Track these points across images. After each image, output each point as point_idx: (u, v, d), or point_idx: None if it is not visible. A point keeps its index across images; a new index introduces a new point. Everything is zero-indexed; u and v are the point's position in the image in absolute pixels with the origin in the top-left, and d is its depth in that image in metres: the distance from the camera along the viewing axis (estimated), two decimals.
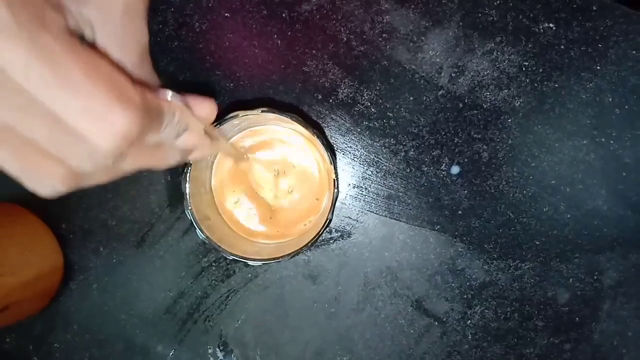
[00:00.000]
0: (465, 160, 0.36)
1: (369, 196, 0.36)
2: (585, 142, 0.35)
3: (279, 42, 0.36)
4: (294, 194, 0.35)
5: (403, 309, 0.37)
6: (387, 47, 0.35)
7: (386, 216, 0.36)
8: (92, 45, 0.17)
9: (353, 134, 0.36)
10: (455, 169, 0.36)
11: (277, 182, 0.35)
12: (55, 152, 0.15)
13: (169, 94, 0.19)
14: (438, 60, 0.35)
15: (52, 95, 0.13)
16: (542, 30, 0.34)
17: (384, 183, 0.36)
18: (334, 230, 0.37)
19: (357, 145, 0.36)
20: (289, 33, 0.35)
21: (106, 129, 0.14)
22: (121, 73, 0.15)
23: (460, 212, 0.36)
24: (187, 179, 0.31)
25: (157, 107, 0.17)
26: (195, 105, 0.21)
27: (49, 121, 0.14)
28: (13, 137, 0.14)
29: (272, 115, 0.31)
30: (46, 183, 0.16)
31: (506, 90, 0.35)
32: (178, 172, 0.37)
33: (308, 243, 0.30)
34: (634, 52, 0.34)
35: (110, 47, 0.17)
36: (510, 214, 0.36)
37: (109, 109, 0.14)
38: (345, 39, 0.35)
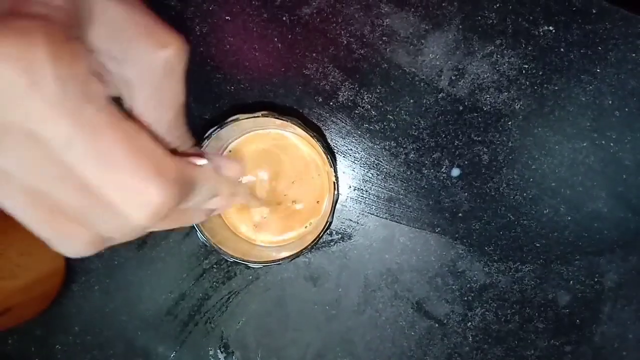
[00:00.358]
0: (466, 162, 0.36)
1: (369, 198, 0.36)
2: (585, 144, 0.35)
3: (280, 45, 0.36)
4: (295, 200, 0.35)
5: (404, 311, 0.37)
6: (387, 50, 0.35)
7: (387, 218, 0.36)
8: (129, 114, 0.17)
9: (353, 136, 0.36)
10: (455, 172, 0.36)
11: (280, 194, 0.35)
12: (83, 221, 0.15)
13: (202, 161, 0.19)
14: (438, 63, 0.35)
15: (91, 169, 0.13)
16: (541, 33, 0.34)
17: (384, 185, 0.36)
18: (334, 233, 0.37)
19: (357, 148, 0.36)
20: (290, 36, 0.36)
21: (141, 205, 0.14)
22: (159, 144, 0.15)
23: (460, 214, 0.36)
24: None
25: (192, 178, 0.17)
26: (224, 168, 0.21)
27: (82, 193, 0.14)
28: (44, 203, 0.14)
29: (272, 119, 0.31)
30: (71, 247, 0.16)
31: (506, 93, 0.35)
32: None
33: (309, 245, 0.30)
34: (634, 54, 0.34)
35: (147, 106, 0.17)
36: (511, 216, 0.36)
37: (146, 184, 0.14)
38: (345, 42, 0.35)
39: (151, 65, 0.16)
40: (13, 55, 0.11)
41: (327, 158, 0.30)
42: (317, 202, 0.35)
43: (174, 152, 0.19)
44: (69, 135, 0.13)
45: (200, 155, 0.20)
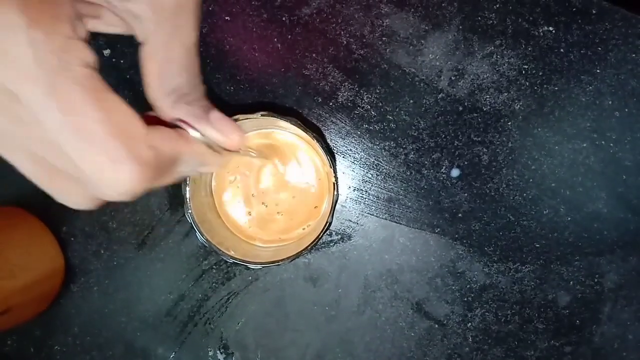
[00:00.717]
0: (465, 163, 0.36)
1: (369, 199, 0.36)
2: (585, 145, 0.35)
3: (279, 45, 0.36)
4: (281, 211, 0.35)
5: (403, 312, 0.37)
6: (387, 50, 0.35)
7: (386, 219, 0.36)
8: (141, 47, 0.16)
9: (353, 137, 0.36)
10: (455, 172, 0.36)
11: (272, 201, 0.35)
12: (75, 180, 0.15)
13: (194, 132, 0.18)
14: (438, 63, 0.35)
15: (65, 139, 0.13)
16: (541, 34, 0.34)
17: (384, 186, 0.36)
18: (334, 233, 0.37)
19: (357, 149, 0.36)
20: (289, 36, 0.36)
21: (113, 184, 0.14)
22: (139, 120, 0.15)
23: (460, 214, 0.36)
24: (188, 181, 0.31)
25: (175, 153, 0.17)
26: (224, 135, 0.21)
27: (65, 157, 0.14)
28: (42, 161, 0.15)
29: (272, 119, 0.31)
30: (70, 202, 0.17)
31: (506, 94, 0.35)
32: None
33: (308, 246, 0.30)
34: (634, 55, 0.34)
35: (158, 42, 0.16)
36: (511, 217, 0.36)
37: (118, 167, 0.14)
38: (345, 42, 0.35)
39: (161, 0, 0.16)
40: None
41: (327, 158, 0.30)
42: (315, 207, 0.35)
43: (165, 124, 0.18)
44: (44, 103, 0.13)
45: (206, 111, 0.19)
